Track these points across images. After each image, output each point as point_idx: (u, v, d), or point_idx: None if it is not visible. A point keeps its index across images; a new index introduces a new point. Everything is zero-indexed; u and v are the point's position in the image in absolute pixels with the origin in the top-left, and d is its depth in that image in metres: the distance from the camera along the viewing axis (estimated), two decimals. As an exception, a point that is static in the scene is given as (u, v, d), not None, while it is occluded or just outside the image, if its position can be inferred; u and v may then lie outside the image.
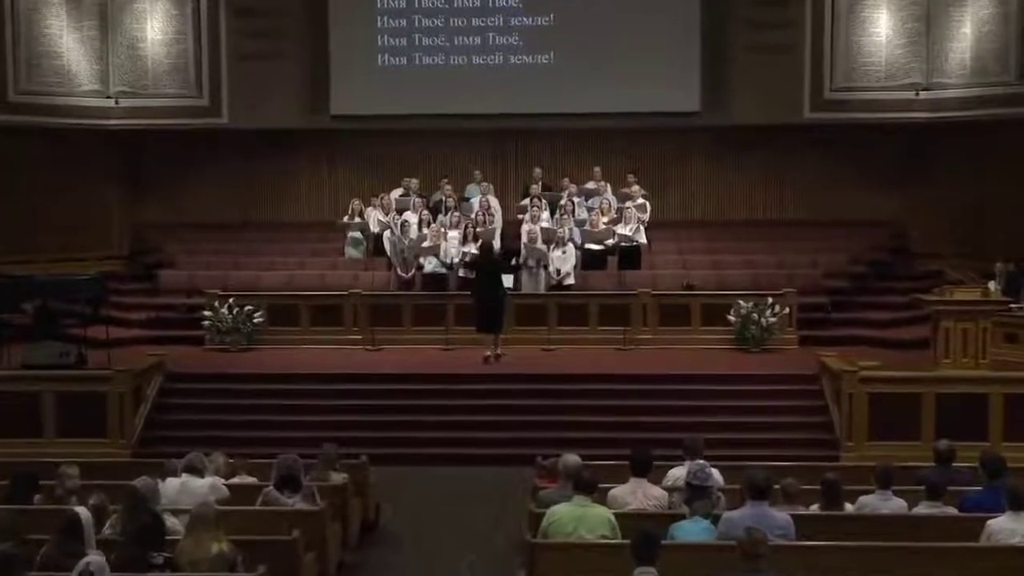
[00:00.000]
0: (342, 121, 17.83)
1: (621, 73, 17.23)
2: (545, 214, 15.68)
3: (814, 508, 7.43)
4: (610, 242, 15.29)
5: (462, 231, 14.88)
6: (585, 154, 17.91)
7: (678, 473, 7.71)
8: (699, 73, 17.38)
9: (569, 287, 14.77)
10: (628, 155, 18.04)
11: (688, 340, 14.07)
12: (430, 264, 14.86)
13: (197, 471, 7.83)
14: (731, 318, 13.95)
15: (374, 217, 15.92)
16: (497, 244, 14.68)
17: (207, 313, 14.25)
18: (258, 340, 14.28)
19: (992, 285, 13.73)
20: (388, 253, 15.42)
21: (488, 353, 13.12)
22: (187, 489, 7.66)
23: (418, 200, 15.92)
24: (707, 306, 14.28)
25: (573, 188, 16.35)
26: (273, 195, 18.45)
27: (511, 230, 16.37)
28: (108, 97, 17.47)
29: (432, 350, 13.87)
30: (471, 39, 17.65)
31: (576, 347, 13.86)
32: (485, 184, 16.53)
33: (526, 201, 16.04)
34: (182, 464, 7.90)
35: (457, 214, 15.38)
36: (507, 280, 13.60)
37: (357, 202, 16.15)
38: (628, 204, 15.77)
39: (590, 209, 15.87)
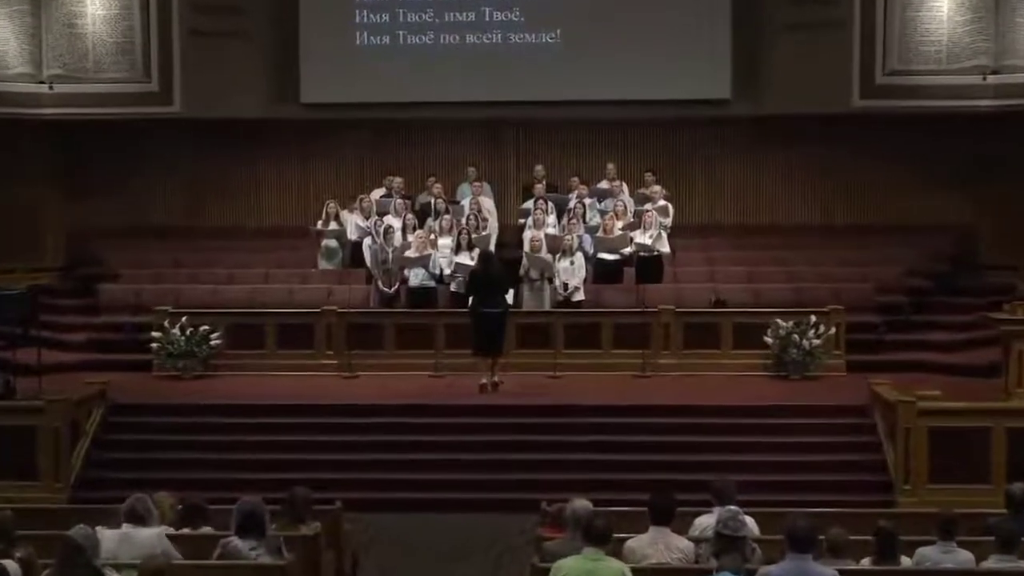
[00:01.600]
0: (314, 110, 17.87)
1: (638, 54, 17.27)
2: (551, 218, 15.69)
3: (865, 562, 7.42)
4: (626, 251, 15.29)
5: (454, 238, 14.89)
6: (597, 149, 17.94)
7: (706, 521, 7.69)
8: (730, 54, 17.43)
9: (578, 304, 14.77)
10: (647, 150, 18.08)
11: (718, 366, 14.07)
12: (416, 277, 14.86)
13: (141, 519, 7.78)
14: (768, 340, 13.94)
15: (352, 222, 15.93)
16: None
17: (156, 334, 14.24)
18: (215, 366, 14.27)
19: (1073, 301, 13.71)
20: (368, 264, 15.43)
21: (484, 380, 13.11)
22: (129, 540, 7.62)
23: (400, 202, 15.93)
24: (740, 326, 14.28)
25: (583, 188, 16.37)
26: (234, 196, 18.46)
27: (511, 237, 16.40)
28: (41, 82, 17.50)
29: (419, 377, 13.86)
30: (464, 14, 17.71)
31: (587, 374, 13.85)
32: (479, 184, 16.54)
33: (529, 203, 16.06)
34: (123, 510, 7.85)
35: (448, 218, 15.40)
36: (508, 295, 13.59)
37: (332, 204, 16.16)
38: (647, 207, 15.77)
39: (603, 213, 15.88)
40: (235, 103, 17.51)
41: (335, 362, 14.32)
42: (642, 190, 16.47)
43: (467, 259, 14.34)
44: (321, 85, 17.73)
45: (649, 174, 16.74)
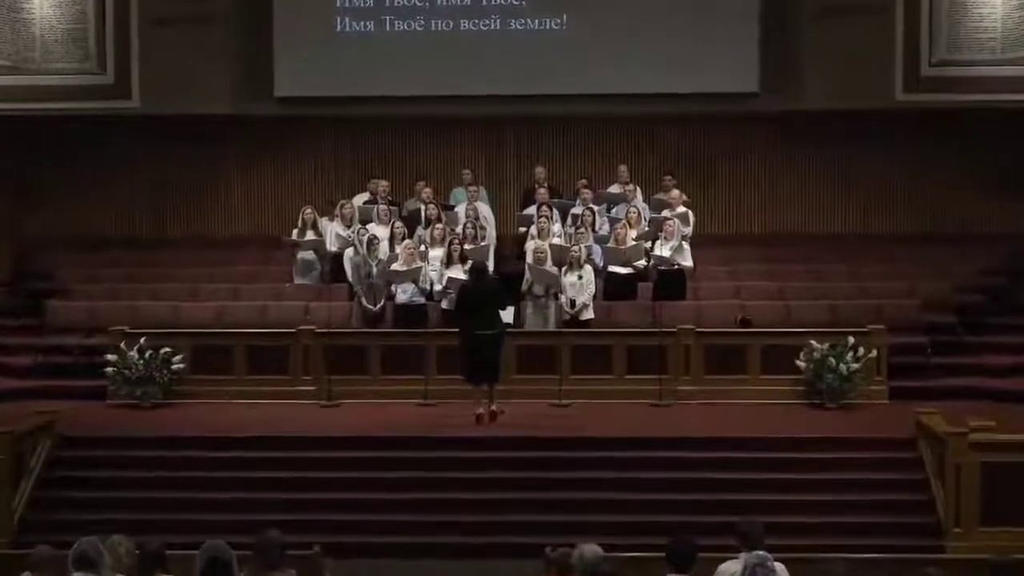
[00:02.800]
0: (289, 105, 17.89)
1: (654, 43, 17.31)
2: (556, 227, 15.72)
3: (911, 615, 7.41)
4: (641, 264, 15.31)
5: (446, 249, 14.91)
6: (607, 149, 17.98)
7: (731, 568, 7.68)
8: (757, 43, 17.44)
9: (587, 323, 14.78)
10: (664, 150, 18.10)
11: (744, 393, 14.06)
12: (405, 293, 14.87)
13: (92, 566, 7.75)
14: (800, 364, 13.94)
15: (332, 231, 15.95)
16: (490, 267, 14.69)
17: (111, 357, 14.24)
18: (178, 393, 14.27)
19: None
20: (350, 278, 15.44)
21: (480, 410, 13.09)
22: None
23: (385, 208, 15.95)
24: (769, 348, 14.28)
25: (587, 193, 16.36)
26: (199, 202, 18.49)
27: (509, 247, 16.41)
28: (-18, 74, 17.57)
29: (407, 406, 13.86)
30: (459, -3, 17.78)
31: (597, 402, 13.86)
32: (474, 188, 16.56)
33: (531, 210, 16.08)
34: (71, 556, 7.82)
35: (441, 227, 15.42)
36: (506, 314, 13.60)
37: (309, 211, 16.18)
38: (665, 214, 15.80)
39: (614, 220, 15.90)
40: (200, 98, 17.52)
41: (313, 389, 14.31)
42: (659, 195, 16.47)
43: (460, 273, 14.36)
44: (297, 77, 17.75)
45: (668, 177, 16.74)
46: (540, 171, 16.94)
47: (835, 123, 17.50)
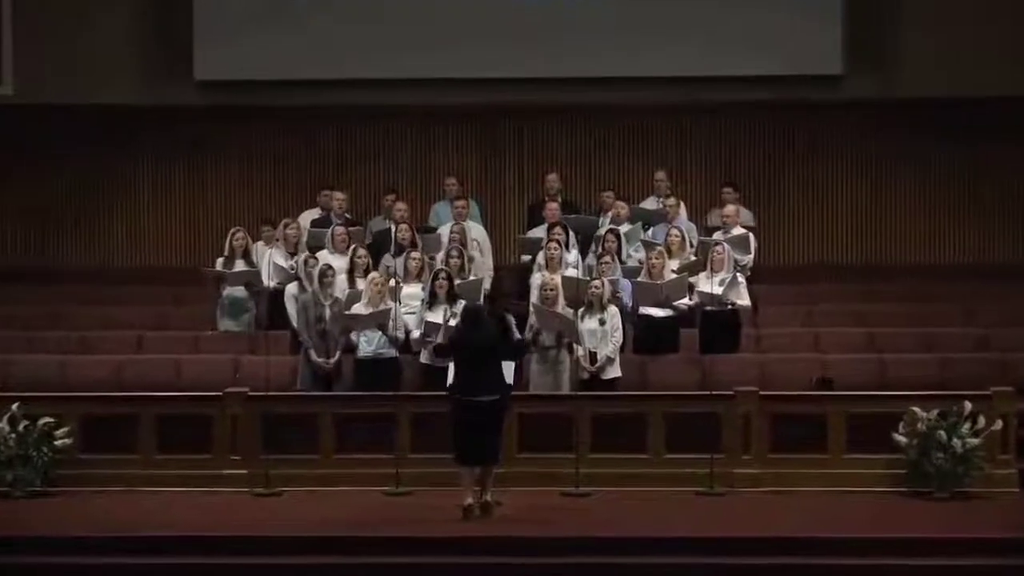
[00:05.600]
0: (214, 93, 17.98)
1: (705, 10, 17.44)
2: (572, 255, 15.73)
3: None
4: (684, 304, 15.32)
5: (428, 285, 14.92)
6: (639, 150, 18.05)
7: None
8: (841, 13, 17.51)
9: (612, 383, 14.78)
10: (717, 152, 18.15)
11: (823, 478, 14.04)
12: (369, 343, 14.87)
13: None
14: (900, 439, 13.93)
15: (269, 260, 15.96)
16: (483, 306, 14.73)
17: (-27, 430, 14.27)
18: (63, 478, 14.24)
19: None
20: (294, 323, 15.44)
21: (471, 501, 13.08)
22: None
23: (340, 230, 15.98)
24: (857, 418, 14.24)
25: (622, 207, 16.40)
26: (94, 221, 18.54)
27: (510, 282, 16.41)
28: None
29: (371, 495, 13.85)
30: (440, -51, 17.93)
31: (625, 490, 13.85)
32: (462, 203, 16.58)
33: (539, 231, 16.11)
34: None
35: (417, 254, 15.43)
36: (507, 370, 13.59)
37: (241, 234, 16.21)
38: (718, 237, 15.81)
39: (649, 246, 15.91)
40: (97, 83, 17.64)
41: (244, 473, 14.28)
42: (720, 217, 16.33)
43: (445, 316, 14.37)
44: (224, 57, 17.84)
45: (728, 190, 16.74)
46: (552, 178, 16.98)
47: (946, 116, 17.55)
